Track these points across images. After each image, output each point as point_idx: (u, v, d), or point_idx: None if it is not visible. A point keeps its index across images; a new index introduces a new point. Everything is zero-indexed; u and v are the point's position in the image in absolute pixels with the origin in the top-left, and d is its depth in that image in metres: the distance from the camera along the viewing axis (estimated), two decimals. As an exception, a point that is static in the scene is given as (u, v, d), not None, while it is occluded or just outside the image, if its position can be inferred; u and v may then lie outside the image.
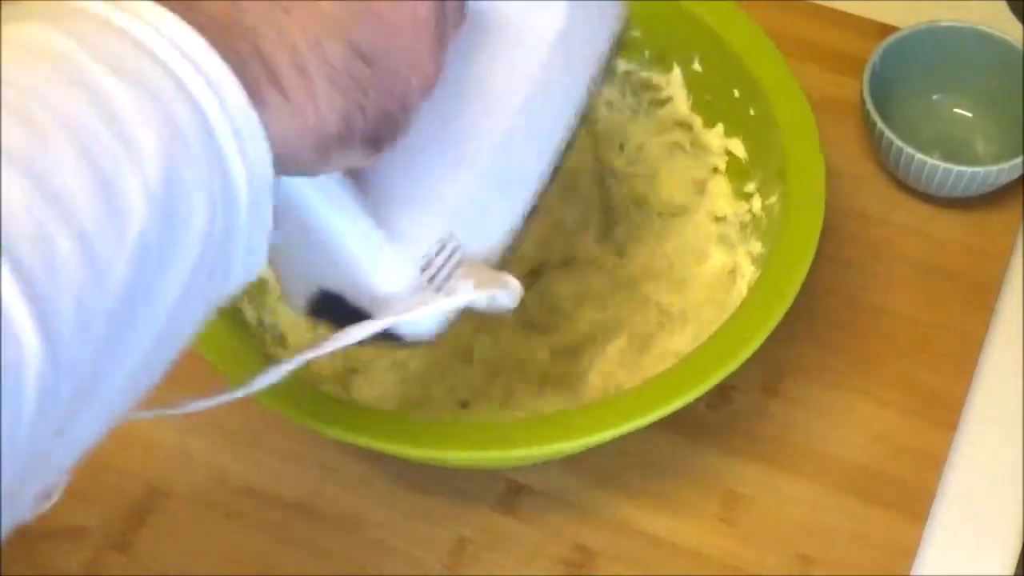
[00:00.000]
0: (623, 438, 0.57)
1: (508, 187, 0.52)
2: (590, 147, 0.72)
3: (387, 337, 0.49)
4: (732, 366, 0.56)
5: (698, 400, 0.65)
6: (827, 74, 0.77)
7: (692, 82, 0.69)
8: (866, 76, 0.72)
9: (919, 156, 0.69)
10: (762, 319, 0.57)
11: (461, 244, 0.50)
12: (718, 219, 0.69)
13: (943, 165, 0.69)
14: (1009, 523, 0.63)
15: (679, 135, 0.71)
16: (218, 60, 0.36)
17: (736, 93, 0.67)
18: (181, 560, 0.63)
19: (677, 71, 0.69)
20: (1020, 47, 0.73)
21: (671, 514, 0.63)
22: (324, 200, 0.46)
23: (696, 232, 0.69)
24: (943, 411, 0.66)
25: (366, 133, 0.41)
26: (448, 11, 0.43)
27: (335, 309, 0.49)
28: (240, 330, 0.60)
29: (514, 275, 0.50)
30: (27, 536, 0.40)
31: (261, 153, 0.37)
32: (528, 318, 0.68)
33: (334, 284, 0.49)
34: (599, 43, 0.55)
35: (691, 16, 0.67)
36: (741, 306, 0.59)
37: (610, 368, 0.66)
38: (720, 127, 0.68)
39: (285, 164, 0.39)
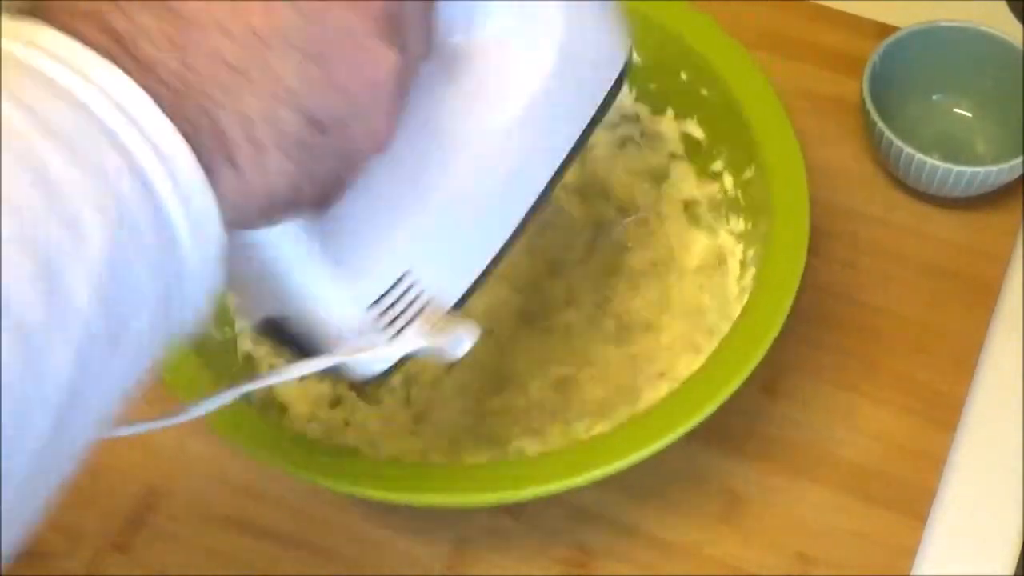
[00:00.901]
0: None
1: (476, 231, 0.50)
2: None
3: (332, 372, 0.48)
4: (735, 385, 0.57)
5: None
6: (827, 74, 0.77)
7: (633, 74, 0.69)
8: (866, 76, 0.72)
9: (919, 156, 0.69)
10: (765, 326, 0.58)
11: (423, 284, 0.47)
12: (687, 203, 0.69)
13: (943, 165, 0.69)
14: (1009, 523, 0.63)
15: (627, 128, 0.70)
16: (173, 133, 0.34)
17: (684, 76, 0.67)
18: (181, 560, 0.63)
19: None
20: (1020, 47, 0.73)
21: (671, 514, 0.63)
22: (273, 233, 0.44)
23: (666, 224, 0.69)
24: (943, 411, 0.66)
25: (314, 196, 0.40)
26: (410, 45, 0.41)
27: (281, 334, 0.48)
28: (202, 350, 0.59)
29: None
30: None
31: (212, 228, 0.36)
32: (529, 311, 0.68)
33: (280, 313, 0.47)
34: (598, 84, 0.51)
35: (624, 9, 0.67)
36: (741, 317, 0.59)
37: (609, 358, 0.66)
38: (670, 112, 0.69)
39: (230, 224, 0.38)
